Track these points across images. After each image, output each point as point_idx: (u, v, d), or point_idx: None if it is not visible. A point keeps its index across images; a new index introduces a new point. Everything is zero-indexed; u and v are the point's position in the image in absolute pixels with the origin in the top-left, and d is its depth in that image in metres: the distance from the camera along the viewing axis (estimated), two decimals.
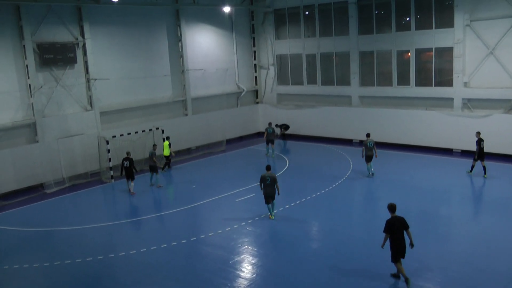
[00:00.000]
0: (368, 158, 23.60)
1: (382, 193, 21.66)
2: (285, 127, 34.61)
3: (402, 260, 13.11)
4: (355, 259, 15.10)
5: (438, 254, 15.08)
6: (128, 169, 22.96)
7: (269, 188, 18.24)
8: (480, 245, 15.61)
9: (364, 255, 15.31)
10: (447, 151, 27.92)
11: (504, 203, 19.76)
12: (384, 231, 13.12)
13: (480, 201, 19.79)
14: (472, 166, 23.32)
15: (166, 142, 26.79)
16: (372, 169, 23.78)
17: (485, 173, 22.83)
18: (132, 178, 23.08)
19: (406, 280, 12.93)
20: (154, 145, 25.20)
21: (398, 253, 13.02)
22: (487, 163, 23.01)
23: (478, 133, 23.30)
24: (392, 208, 13.19)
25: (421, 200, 20.28)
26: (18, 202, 22.63)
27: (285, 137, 34.62)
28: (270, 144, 29.40)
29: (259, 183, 18.58)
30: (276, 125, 34.03)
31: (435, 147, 28.57)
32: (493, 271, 13.85)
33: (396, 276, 13.51)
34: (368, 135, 24.39)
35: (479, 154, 22.89)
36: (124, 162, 22.96)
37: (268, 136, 29.30)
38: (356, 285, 13.43)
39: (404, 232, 13.06)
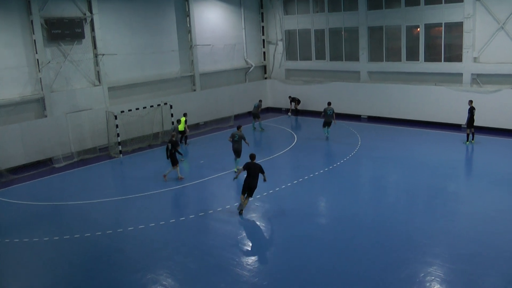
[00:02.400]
0: (326, 124, 26.45)
1: (390, 169, 21.65)
2: (298, 101, 34.41)
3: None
4: (363, 234, 15.16)
5: (446, 230, 15.11)
6: (171, 153, 21.03)
7: (236, 144, 21.13)
8: (488, 221, 15.59)
9: (371, 230, 15.38)
10: (456, 127, 27.77)
11: (506, 177, 19.71)
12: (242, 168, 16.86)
13: (488, 177, 19.70)
14: (468, 135, 24.22)
15: (183, 118, 26.79)
16: (328, 134, 26.68)
17: (473, 139, 24.38)
18: (175, 163, 21.04)
19: (240, 211, 16.76)
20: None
21: (244, 188, 16.70)
22: (497, 138, 22.90)
23: (471, 102, 24.53)
24: (251, 157, 17.24)
25: (429, 175, 20.25)
26: (27, 176, 22.84)
27: (297, 112, 34.45)
28: (256, 119, 30.14)
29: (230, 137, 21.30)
30: (289, 97, 34.03)
31: (443, 122, 28.43)
32: (500, 247, 13.85)
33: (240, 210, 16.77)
34: (329, 103, 27.06)
35: (470, 122, 24.06)
36: (168, 145, 21.09)
37: (253, 110, 30.30)
38: (364, 259, 13.50)
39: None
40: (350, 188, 19.71)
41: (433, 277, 12.39)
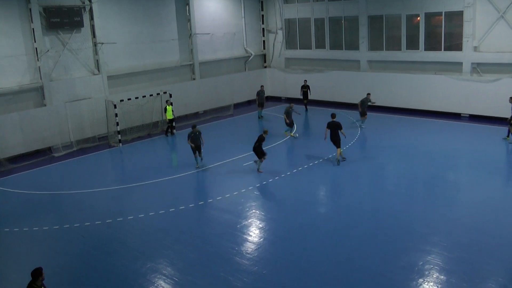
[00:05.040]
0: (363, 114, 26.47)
1: (390, 158, 21.64)
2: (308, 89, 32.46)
3: None
4: (363, 223, 15.20)
5: (446, 218, 15.15)
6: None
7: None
8: (487, 210, 15.64)
9: (371, 219, 15.43)
10: (456, 116, 27.76)
11: (502, 166, 19.84)
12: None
13: (488, 166, 19.71)
14: (509, 132, 22.96)
15: (170, 106, 26.72)
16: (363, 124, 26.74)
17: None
18: (262, 155, 20.20)
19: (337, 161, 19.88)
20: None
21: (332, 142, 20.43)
22: (496, 127, 22.88)
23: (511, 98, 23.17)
24: (332, 116, 20.64)
25: (429, 164, 20.26)
26: (26, 165, 22.84)
27: (307, 101, 32.43)
28: (260, 107, 30.26)
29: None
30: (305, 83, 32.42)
31: (443, 111, 28.41)
32: (499, 235, 13.91)
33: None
34: (368, 94, 27.03)
35: None
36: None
37: (259, 99, 30.30)
38: (363, 247, 13.56)
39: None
40: (350, 177, 19.71)
41: (432, 266, 12.44)
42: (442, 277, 11.96)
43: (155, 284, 12.26)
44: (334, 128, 20.60)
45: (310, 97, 32.18)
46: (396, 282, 11.80)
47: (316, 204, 17.25)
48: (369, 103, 26.60)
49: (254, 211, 16.55)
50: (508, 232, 14.13)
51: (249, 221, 15.77)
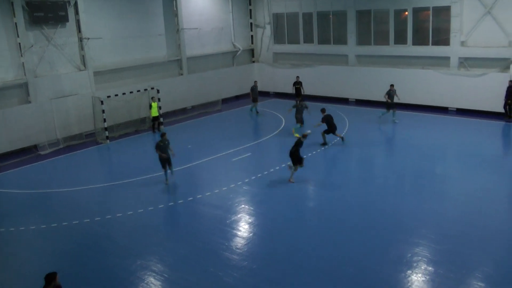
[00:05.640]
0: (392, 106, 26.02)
1: (378, 152, 21.70)
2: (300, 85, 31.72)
3: None
4: (352, 216, 15.22)
5: (433, 211, 15.23)
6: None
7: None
8: (474, 202, 15.75)
9: (360, 212, 15.44)
10: (443, 110, 27.89)
11: (498, 161, 19.96)
12: None
13: (475, 159, 19.85)
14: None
15: (155, 103, 26.55)
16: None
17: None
18: (297, 162, 18.43)
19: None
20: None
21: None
22: (483, 121, 22.99)
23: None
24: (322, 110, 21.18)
25: (417, 158, 20.35)
26: (11, 164, 22.53)
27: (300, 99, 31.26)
28: (254, 102, 30.06)
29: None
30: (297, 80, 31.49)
31: (431, 105, 28.54)
32: (486, 227, 14.03)
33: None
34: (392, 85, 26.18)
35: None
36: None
37: (253, 94, 29.96)
38: (352, 241, 13.58)
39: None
40: (338, 171, 19.75)
41: (420, 257, 12.52)
42: (430, 268, 12.04)
43: (146, 281, 12.18)
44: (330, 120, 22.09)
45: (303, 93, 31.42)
46: (385, 275, 11.84)
47: (305, 198, 17.26)
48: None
49: (243, 206, 16.50)
50: (494, 224, 14.26)
51: (239, 216, 15.72)
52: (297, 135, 23.01)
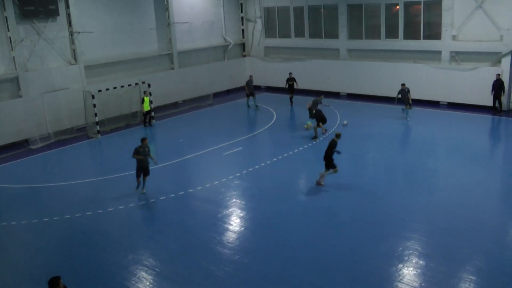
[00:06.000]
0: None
1: (369, 146, 21.76)
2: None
3: None
4: (343, 210, 15.29)
5: (425, 205, 15.33)
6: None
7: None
8: (465, 196, 15.87)
9: (352, 206, 15.51)
10: (434, 104, 28.00)
11: (488, 155, 20.18)
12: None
13: (465, 152, 19.97)
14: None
15: (147, 98, 26.47)
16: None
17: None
18: (330, 166, 17.07)
19: None
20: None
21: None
22: (474, 114, 23.10)
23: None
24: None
25: (408, 152, 20.48)
26: (3, 159, 22.40)
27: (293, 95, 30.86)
28: (251, 96, 29.84)
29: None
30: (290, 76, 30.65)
31: (422, 99, 28.58)
32: (476, 220, 14.15)
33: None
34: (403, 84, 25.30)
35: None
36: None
37: (249, 88, 29.72)
38: (344, 234, 13.66)
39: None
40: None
41: (411, 251, 12.60)
42: (421, 262, 12.13)
43: (137, 276, 12.18)
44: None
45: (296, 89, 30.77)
46: (377, 268, 11.91)
47: (296, 192, 17.29)
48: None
49: (234, 200, 16.52)
50: (485, 217, 14.37)
51: (230, 210, 15.74)
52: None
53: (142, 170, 16.91)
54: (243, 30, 37.38)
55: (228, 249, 13.23)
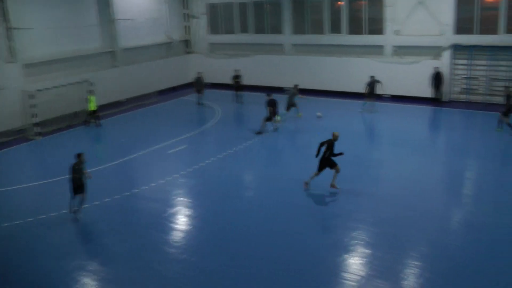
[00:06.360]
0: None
1: (315, 139, 21.84)
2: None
3: None
4: (290, 204, 15.28)
5: (370, 195, 15.57)
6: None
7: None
8: (410, 185, 16.22)
9: (298, 199, 15.53)
10: (377, 97, 28.49)
11: (431, 144, 20.72)
12: None
13: (409, 143, 20.45)
14: (499, 121, 21.77)
15: (93, 97, 25.74)
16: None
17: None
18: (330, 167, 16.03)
19: None
20: None
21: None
22: (416, 106, 23.61)
23: (507, 88, 22.23)
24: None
25: (354, 144, 20.71)
26: None
27: (239, 88, 30.51)
28: (200, 93, 29.47)
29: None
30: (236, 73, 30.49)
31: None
32: (421, 209, 14.46)
33: None
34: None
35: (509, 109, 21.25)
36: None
37: (197, 85, 29.36)
38: (292, 228, 13.66)
39: None
40: (276, 160, 19.82)
41: (357, 241, 12.78)
42: (367, 251, 12.31)
43: (82, 281, 11.75)
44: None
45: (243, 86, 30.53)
46: (324, 260, 11.98)
47: (242, 187, 17.24)
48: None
49: (181, 198, 16.27)
50: (429, 205, 14.71)
51: (176, 209, 15.48)
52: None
53: (78, 188, 14.81)
54: (187, 27, 36.94)
55: (175, 248, 12.99)
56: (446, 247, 12.42)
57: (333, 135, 15.94)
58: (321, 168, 15.96)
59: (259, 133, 22.57)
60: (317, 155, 15.88)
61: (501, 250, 12.11)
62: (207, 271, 11.78)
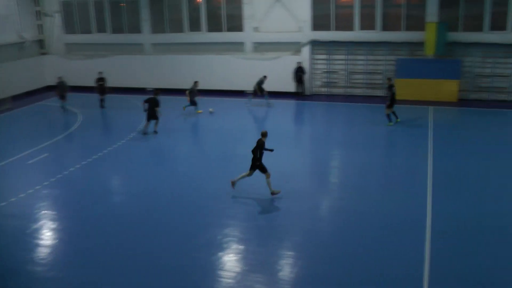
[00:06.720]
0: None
1: (182, 139, 21.95)
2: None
3: None
4: (162, 206, 15.14)
5: (240, 191, 15.79)
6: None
7: None
8: (279, 177, 16.43)
9: (169, 202, 15.43)
10: (239, 93, 29.22)
11: (296, 137, 21.94)
12: None
13: (278, 137, 21.10)
14: (388, 115, 22.58)
15: None
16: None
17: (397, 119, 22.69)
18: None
19: None
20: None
21: None
22: (280, 101, 24.46)
23: (389, 79, 22.93)
24: None
25: (220, 141, 21.06)
26: None
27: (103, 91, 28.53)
28: (63, 99, 27.53)
29: None
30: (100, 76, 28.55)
31: (228, 90, 29.69)
32: (292, 198, 15.10)
33: None
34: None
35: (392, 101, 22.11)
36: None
37: (60, 90, 27.40)
38: (164, 230, 13.57)
39: None
40: (143, 163, 19.42)
41: (230, 238, 13.00)
42: (241, 247, 12.58)
43: None
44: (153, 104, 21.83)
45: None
46: (198, 260, 12.00)
47: (110, 193, 16.73)
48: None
49: (45, 211, 15.31)
50: (300, 195, 15.37)
51: (40, 223, 14.53)
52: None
53: None
54: (40, 26, 34.76)
55: (41, 266, 12.19)
56: (318, 235, 13.10)
57: (262, 133, 15.43)
58: (255, 168, 15.26)
59: (145, 133, 22.31)
60: (259, 159, 15.09)
61: (369, 234, 12.98)
62: (77, 287, 11.24)
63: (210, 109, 25.36)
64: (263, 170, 15.17)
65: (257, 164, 15.12)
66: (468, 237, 12.59)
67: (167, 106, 25.23)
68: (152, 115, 22.13)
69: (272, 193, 15.30)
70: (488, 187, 15.93)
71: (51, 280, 11.60)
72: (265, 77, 26.84)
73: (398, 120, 22.62)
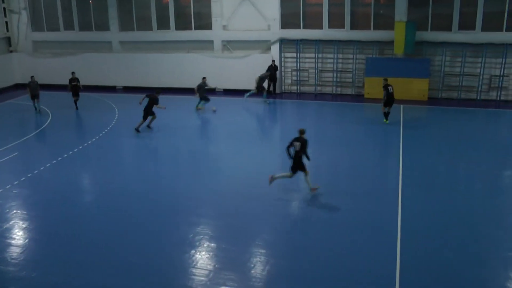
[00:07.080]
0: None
1: (150, 138, 21.96)
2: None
3: None
4: (132, 205, 15.19)
5: (210, 189, 16.07)
6: None
7: None
8: (248, 176, 16.99)
9: (139, 200, 15.49)
10: (211, 92, 29.26)
11: (266, 136, 22.28)
12: None
13: (244, 135, 21.39)
14: (384, 113, 22.84)
15: None
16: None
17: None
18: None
19: None
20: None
21: None
22: (252, 99, 24.62)
23: (385, 80, 23.05)
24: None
25: (189, 139, 21.21)
26: None
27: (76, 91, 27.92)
28: (35, 98, 26.63)
29: None
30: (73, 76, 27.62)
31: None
32: (262, 198, 15.21)
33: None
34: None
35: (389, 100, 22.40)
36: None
37: (32, 90, 26.46)
38: (135, 229, 13.62)
39: None
40: (113, 161, 19.40)
41: (202, 236, 13.14)
42: (212, 244, 12.72)
43: None
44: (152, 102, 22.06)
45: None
46: (171, 259, 12.11)
47: (81, 192, 16.71)
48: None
49: (15, 211, 15.19)
50: (269, 194, 15.48)
51: (11, 223, 14.44)
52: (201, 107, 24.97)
53: None
54: (6, 23, 34.19)
55: (12, 266, 12.16)
56: (286, 232, 13.41)
57: (300, 131, 14.99)
58: (294, 169, 15.07)
59: (137, 131, 22.30)
60: (290, 157, 14.92)
61: (341, 232, 13.24)
62: (49, 285, 11.29)
63: (213, 108, 25.40)
64: (303, 168, 15.02)
65: (299, 163, 14.89)
66: (438, 235, 12.90)
67: (133, 106, 25.15)
68: (149, 112, 22.22)
69: (312, 190, 15.29)
70: (457, 185, 16.45)
71: (22, 279, 11.59)
72: (204, 78, 26.24)
73: (386, 121, 22.77)
